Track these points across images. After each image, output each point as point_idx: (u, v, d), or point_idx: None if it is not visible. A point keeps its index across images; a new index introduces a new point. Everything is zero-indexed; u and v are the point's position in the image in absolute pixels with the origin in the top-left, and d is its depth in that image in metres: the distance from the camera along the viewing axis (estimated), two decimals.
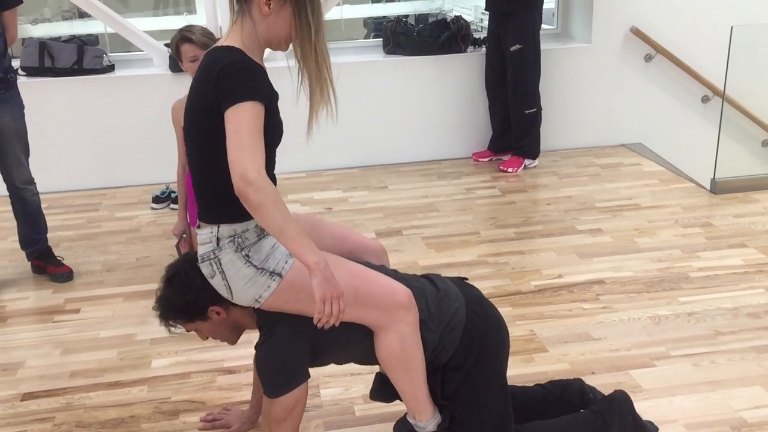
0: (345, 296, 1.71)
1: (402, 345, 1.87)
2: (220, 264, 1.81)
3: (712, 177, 4.28)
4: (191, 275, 1.89)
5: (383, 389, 2.05)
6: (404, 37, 4.88)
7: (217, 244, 1.81)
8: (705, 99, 5.20)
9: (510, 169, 4.75)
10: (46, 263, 3.51)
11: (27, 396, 2.59)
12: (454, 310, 1.94)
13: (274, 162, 1.89)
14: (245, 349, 2.75)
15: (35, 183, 3.45)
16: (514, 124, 4.76)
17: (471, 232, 3.87)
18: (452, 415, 1.98)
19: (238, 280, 1.80)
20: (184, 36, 2.91)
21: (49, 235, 3.57)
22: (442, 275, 2.09)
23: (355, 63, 4.87)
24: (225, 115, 1.68)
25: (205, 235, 1.84)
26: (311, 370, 1.93)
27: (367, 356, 1.97)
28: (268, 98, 1.73)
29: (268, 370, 1.87)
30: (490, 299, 2.08)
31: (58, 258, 3.54)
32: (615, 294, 3.13)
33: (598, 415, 2.06)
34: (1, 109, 3.23)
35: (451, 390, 1.96)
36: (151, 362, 2.77)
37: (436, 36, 4.85)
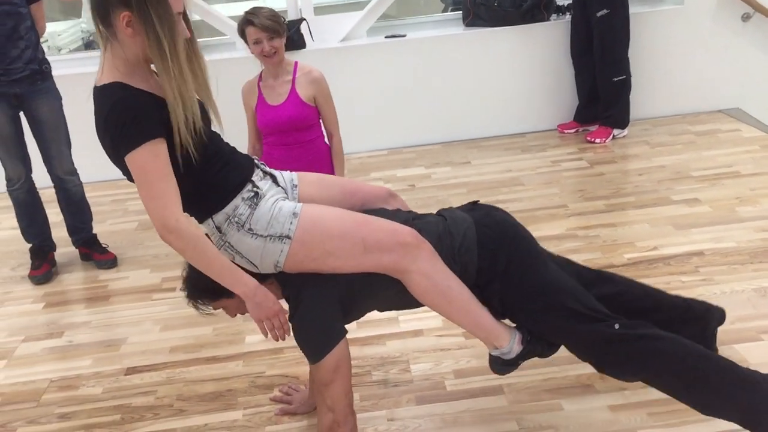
0: (354, 246, 1.83)
1: (430, 280, 1.87)
2: (232, 246, 1.85)
3: None
4: None
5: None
6: (484, 8, 4.77)
7: (220, 232, 1.85)
8: None
9: (598, 140, 4.59)
10: (91, 251, 3.62)
11: (130, 370, 2.70)
12: (463, 232, 1.94)
13: (221, 150, 1.88)
14: None
15: (78, 173, 3.52)
16: (601, 93, 4.58)
17: (558, 205, 3.76)
18: (525, 320, 1.97)
19: (254, 254, 1.84)
20: (247, 19, 2.92)
21: (138, 218, 3.68)
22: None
23: (434, 37, 4.80)
24: (126, 162, 1.68)
25: (208, 230, 1.88)
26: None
27: (402, 300, 1.97)
28: (161, 127, 1.68)
29: (304, 336, 1.89)
30: None
31: (103, 245, 3.64)
32: (716, 266, 2.98)
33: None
34: (38, 100, 3.30)
35: (498, 302, 1.95)
36: (245, 338, 2.84)
37: (518, 5, 4.71)
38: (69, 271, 3.61)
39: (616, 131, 4.63)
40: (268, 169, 2.00)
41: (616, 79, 4.50)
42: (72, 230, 3.63)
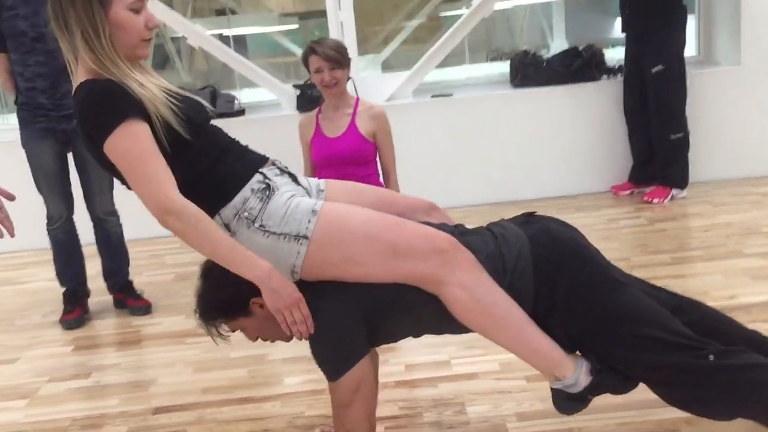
0: (382, 251, 1.59)
1: (471, 295, 1.60)
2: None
3: None
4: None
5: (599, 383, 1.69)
6: (533, 68, 4.70)
7: (229, 230, 1.64)
8: None
9: (656, 200, 4.37)
10: (126, 296, 3.45)
11: (159, 410, 2.48)
12: (517, 252, 1.67)
13: (223, 140, 1.74)
14: (381, 367, 2.55)
15: (118, 215, 3.41)
16: (658, 151, 4.40)
17: (619, 258, 3.51)
18: (597, 354, 1.66)
19: (267, 256, 1.61)
20: (311, 47, 2.90)
21: (175, 270, 3.54)
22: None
23: (482, 96, 4.73)
24: (106, 154, 1.56)
25: None
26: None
27: (441, 321, 1.69)
28: (137, 109, 1.57)
29: (321, 350, 1.66)
30: None
31: (138, 292, 3.48)
32: None
33: None
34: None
35: (564, 334, 1.66)
36: (283, 380, 2.62)
37: (568, 64, 4.64)
38: (102, 317, 3.45)
39: (674, 191, 4.41)
40: (286, 168, 1.81)
41: (673, 137, 4.32)
42: (108, 274, 3.49)
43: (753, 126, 4.65)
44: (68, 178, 3.32)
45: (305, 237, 1.61)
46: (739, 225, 3.80)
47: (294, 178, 1.78)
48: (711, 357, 1.60)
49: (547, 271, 1.66)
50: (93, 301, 3.53)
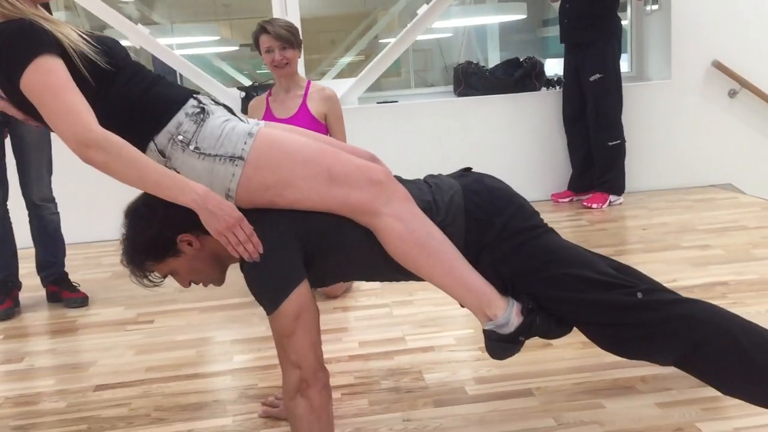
0: (317, 175, 1.57)
1: (405, 225, 1.58)
2: (178, 172, 1.58)
3: None
4: (152, 205, 1.63)
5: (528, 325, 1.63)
6: (476, 77, 4.82)
7: (164, 156, 1.59)
8: None
9: (595, 205, 4.49)
10: (61, 288, 3.30)
11: (100, 387, 2.35)
12: (449, 199, 1.67)
13: (149, 72, 1.70)
14: (333, 344, 2.51)
15: (55, 201, 3.28)
16: (597, 158, 4.54)
17: None
18: (528, 292, 1.62)
19: (202, 180, 1.56)
20: (262, 26, 2.89)
21: (112, 269, 3.40)
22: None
23: (426, 103, 4.80)
24: (22, 90, 1.54)
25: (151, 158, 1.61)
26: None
27: (373, 258, 1.65)
28: (53, 43, 1.54)
29: (257, 281, 1.59)
30: None
31: (74, 284, 3.34)
32: (743, 292, 2.79)
33: None
34: None
35: (495, 278, 1.63)
36: (233, 357, 2.53)
37: (510, 74, 4.77)
38: (33, 310, 3.27)
39: (612, 197, 4.55)
40: (221, 102, 1.76)
41: (611, 144, 4.48)
42: (42, 265, 3.32)
43: (684, 138, 4.87)
44: (4, 163, 3.17)
45: (240, 158, 1.56)
46: (674, 224, 3.94)
47: (230, 110, 1.73)
48: (639, 294, 1.59)
49: (478, 217, 1.66)
50: (23, 296, 3.35)
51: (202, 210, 1.52)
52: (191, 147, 1.57)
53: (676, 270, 3.13)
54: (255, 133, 1.60)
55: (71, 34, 1.58)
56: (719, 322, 1.59)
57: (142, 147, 1.59)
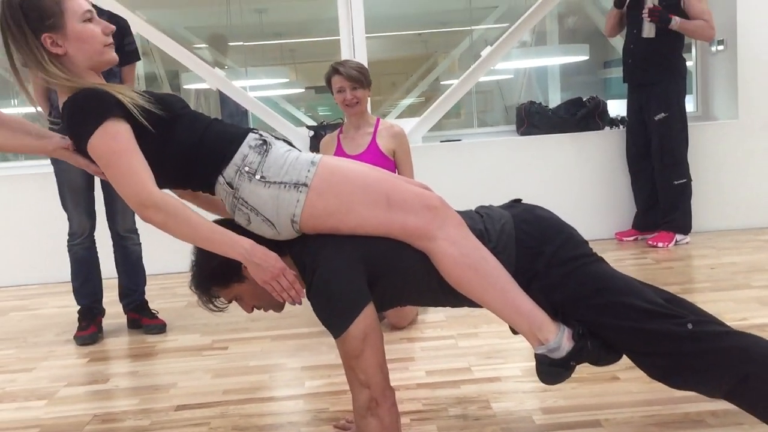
0: (377, 201, 1.66)
1: (459, 249, 1.65)
2: (246, 202, 1.69)
3: None
4: None
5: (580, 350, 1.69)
6: (539, 117, 4.88)
7: (232, 188, 1.69)
8: None
9: (660, 244, 4.46)
10: (141, 316, 3.47)
11: (180, 407, 2.47)
12: (500, 228, 1.74)
13: (206, 117, 1.81)
14: (401, 372, 2.58)
15: (138, 233, 3.47)
16: (662, 198, 4.53)
17: None
18: (579, 319, 1.67)
19: (269, 207, 1.67)
20: (334, 68, 3.04)
21: (187, 299, 3.55)
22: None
23: (489, 142, 4.89)
24: (89, 153, 1.66)
25: (221, 193, 1.74)
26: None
27: (429, 283, 1.72)
28: (114, 108, 1.66)
29: (324, 306, 1.67)
30: None
31: (153, 311, 3.50)
32: None
33: None
34: None
35: (543, 301, 1.68)
36: (305, 383, 2.62)
37: (572, 113, 4.82)
38: (116, 336, 3.45)
39: (678, 236, 4.52)
40: (281, 136, 1.89)
41: (677, 183, 4.46)
42: (124, 293, 3.51)
43: (752, 177, 4.81)
44: (93, 195, 3.39)
45: (305, 185, 1.66)
46: (743, 264, 3.89)
47: (289, 143, 1.85)
48: (689, 325, 1.62)
49: (529, 246, 1.72)
50: (106, 323, 3.54)
51: (250, 263, 1.66)
52: (257, 176, 1.68)
53: (746, 309, 3.10)
54: (317, 162, 1.71)
55: (129, 93, 1.73)
56: None
57: (212, 182, 1.73)
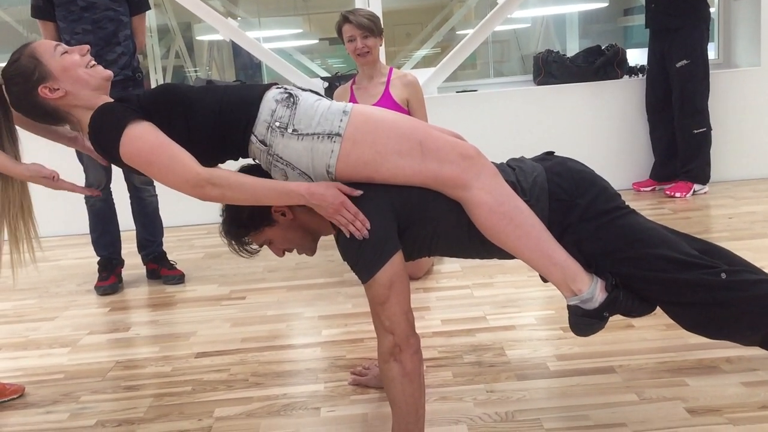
0: (411, 150, 1.65)
1: (494, 197, 1.63)
2: (281, 157, 1.67)
3: None
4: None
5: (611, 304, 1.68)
6: (556, 66, 4.80)
7: (266, 145, 1.68)
8: None
9: (678, 194, 4.42)
10: (159, 266, 3.52)
11: (201, 354, 2.53)
12: (533, 180, 1.71)
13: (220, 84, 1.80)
14: (417, 321, 2.61)
15: (154, 185, 3.48)
16: (681, 146, 4.47)
17: None
18: (612, 271, 1.66)
19: (304, 160, 1.66)
20: (344, 16, 2.99)
21: (205, 250, 3.57)
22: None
23: (506, 92, 4.83)
24: (124, 160, 1.67)
25: (256, 153, 1.72)
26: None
27: (460, 232, 1.71)
28: (133, 110, 1.67)
29: (354, 251, 1.66)
30: None
31: (172, 262, 3.54)
32: None
33: None
34: None
35: (576, 253, 1.67)
36: (322, 331, 2.65)
37: (591, 62, 4.74)
38: (135, 286, 3.50)
39: (696, 186, 4.47)
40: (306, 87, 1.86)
41: (696, 132, 4.40)
42: (142, 244, 3.56)
43: None
44: None
45: (338, 134, 1.65)
46: (762, 214, 3.85)
47: (316, 93, 1.82)
48: (723, 275, 1.61)
49: (562, 198, 1.70)
50: (125, 273, 3.59)
51: (313, 204, 1.66)
52: (289, 130, 1.66)
53: (765, 258, 3.08)
54: (350, 111, 1.69)
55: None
56: None
57: (245, 145, 1.71)
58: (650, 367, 2.12)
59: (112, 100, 1.77)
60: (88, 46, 1.80)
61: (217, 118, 1.70)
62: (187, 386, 2.26)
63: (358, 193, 1.66)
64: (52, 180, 1.92)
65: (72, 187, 1.86)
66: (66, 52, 1.75)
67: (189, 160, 1.64)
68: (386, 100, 3.02)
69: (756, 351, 2.09)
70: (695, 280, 1.62)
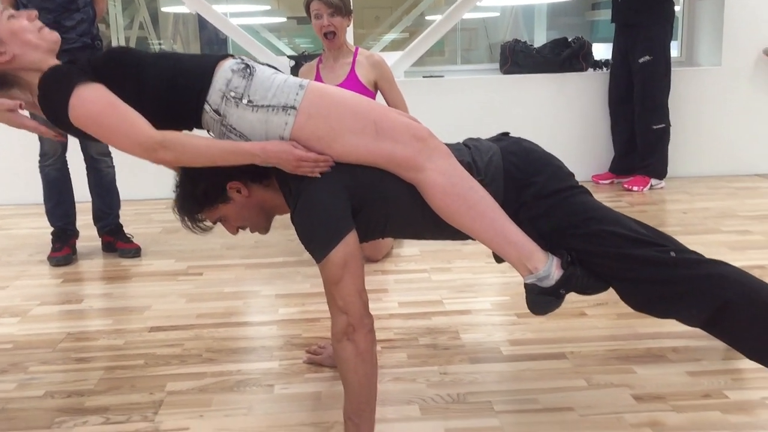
0: (365, 128, 1.65)
1: (447, 179, 1.64)
2: (234, 128, 1.65)
3: None
4: None
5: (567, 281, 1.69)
6: (523, 55, 4.84)
7: (219, 114, 1.66)
8: None
9: (636, 188, 4.51)
10: (115, 239, 3.47)
11: (155, 329, 2.50)
12: (488, 159, 1.73)
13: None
14: (374, 303, 2.63)
15: (111, 156, 3.43)
16: (640, 141, 4.55)
17: None
18: (566, 248, 1.68)
19: (258, 132, 1.64)
20: None
21: (163, 225, 3.54)
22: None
23: (472, 79, 4.85)
24: (74, 123, 1.63)
25: (209, 123, 1.69)
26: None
27: (413, 213, 1.73)
28: (81, 72, 1.64)
29: (308, 230, 1.66)
30: None
31: (128, 235, 3.50)
32: None
33: None
34: None
35: (531, 231, 1.69)
36: (279, 310, 2.65)
37: (557, 53, 4.78)
38: (90, 258, 3.44)
39: (654, 181, 4.56)
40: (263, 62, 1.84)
41: (656, 127, 4.48)
42: (98, 216, 3.49)
43: (731, 125, 4.83)
44: None
45: (293, 107, 1.64)
46: (715, 210, 3.95)
47: (274, 68, 1.79)
48: (672, 253, 1.66)
49: (517, 177, 1.72)
50: (80, 245, 3.52)
51: (270, 163, 1.65)
52: (244, 101, 1.65)
53: (715, 253, 3.10)
54: (306, 86, 1.68)
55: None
56: (749, 284, 1.65)
57: (198, 114, 1.68)
58: (600, 354, 2.17)
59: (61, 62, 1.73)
60: (36, 12, 1.75)
61: (170, 83, 1.68)
62: (140, 360, 2.24)
63: (312, 155, 1.64)
64: (15, 112, 1.82)
65: (35, 126, 1.78)
66: (13, 15, 1.70)
67: (141, 122, 1.61)
68: (351, 81, 3.01)
69: (701, 341, 2.16)
70: (645, 256, 1.65)
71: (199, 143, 1.63)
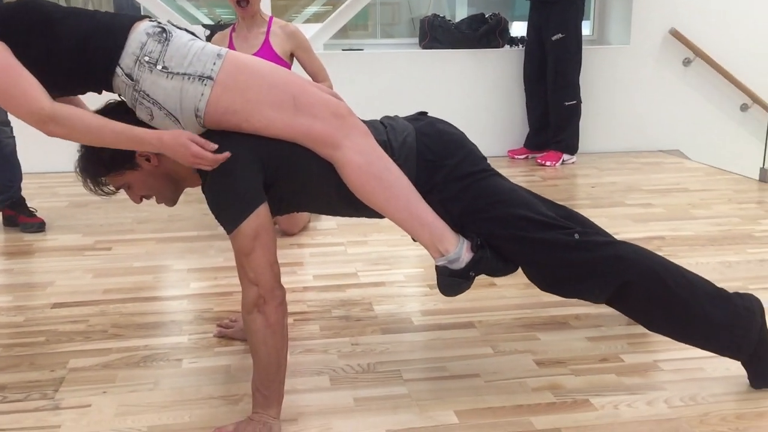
0: (283, 103, 1.62)
1: (364, 158, 1.65)
2: (147, 95, 1.59)
3: (762, 166, 4.15)
4: (116, 119, 1.63)
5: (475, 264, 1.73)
6: (441, 30, 4.87)
7: (132, 80, 1.60)
8: (744, 107, 5.13)
9: (548, 163, 4.64)
10: (17, 213, 3.32)
11: (57, 305, 2.41)
12: (402, 140, 1.75)
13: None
14: (288, 276, 2.61)
15: (11, 126, 3.27)
16: (553, 117, 4.67)
17: None
18: (475, 230, 1.72)
19: (172, 100, 1.59)
20: None
21: (69, 199, 3.40)
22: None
23: (390, 53, 4.85)
24: None
25: (121, 87, 1.62)
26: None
27: (328, 190, 1.73)
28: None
29: (219, 201, 1.64)
30: None
31: (31, 209, 3.36)
32: (678, 246, 2.96)
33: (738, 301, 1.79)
34: None
35: (442, 212, 1.72)
36: (190, 284, 2.60)
37: (474, 29, 4.83)
38: None
39: (565, 156, 4.70)
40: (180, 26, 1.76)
41: (567, 104, 4.61)
42: None
43: (637, 103, 5.02)
44: None
45: (210, 78, 1.59)
46: (621, 184, 4.11)
47: (192, 33, 1.73)
48: (576, 236, 1.72)
49: (429, 159, 1.74)
50: None
51: (165, 152, 1.61)
52: (159, 67, 1.58)
53: (619, 225, 3.29)
54: (224, 55, 1.63)
55: None
56: (646, 263, 1.73)
57: (109, 77, 1.61)
58: (506, 322, 2.23)
59: None
60: None
61: (80, 43, 1.60)
62: (41, 336, 2.16)
63: (212, 146, 1.61)
64: None
65: None
66: None
67: (34, 91, 1.53)
68: (266, 51, 2.95)
69: (602, 309, 2.25)
70: (550, 239, 1.71)
71: (91, 122, 1.57)
